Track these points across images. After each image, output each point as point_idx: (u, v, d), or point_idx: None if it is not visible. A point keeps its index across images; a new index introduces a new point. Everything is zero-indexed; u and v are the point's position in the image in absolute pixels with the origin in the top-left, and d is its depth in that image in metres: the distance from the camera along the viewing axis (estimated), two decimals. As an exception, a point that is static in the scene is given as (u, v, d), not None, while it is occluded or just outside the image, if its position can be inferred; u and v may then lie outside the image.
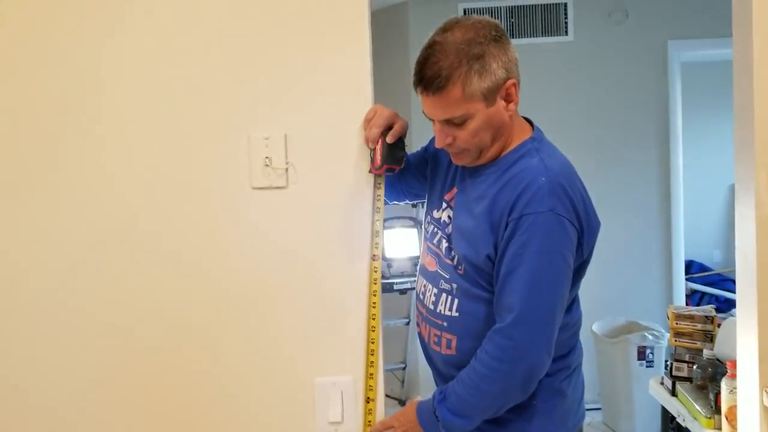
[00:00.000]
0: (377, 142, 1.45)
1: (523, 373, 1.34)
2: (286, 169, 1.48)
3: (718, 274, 5.27)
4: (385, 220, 3.58)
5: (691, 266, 5.22)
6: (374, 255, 1.49)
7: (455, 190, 1.49)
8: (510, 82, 1.35)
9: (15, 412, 1.52)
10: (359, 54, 1.48)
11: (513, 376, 1.34)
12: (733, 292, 4.92)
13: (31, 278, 1.50)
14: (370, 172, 1.48)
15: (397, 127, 1.47)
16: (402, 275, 3.57)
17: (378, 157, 1.45)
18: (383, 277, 3.48)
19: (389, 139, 1.45)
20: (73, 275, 1.50)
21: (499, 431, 1.43)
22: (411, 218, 3.67)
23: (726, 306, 4.75)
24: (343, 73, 1.48)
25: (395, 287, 3.52)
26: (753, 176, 1.59)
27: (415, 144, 1.71)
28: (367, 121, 1.47)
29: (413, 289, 3.50)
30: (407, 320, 3.91)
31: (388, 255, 3.59)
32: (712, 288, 5.06)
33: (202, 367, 1.51)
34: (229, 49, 1.48)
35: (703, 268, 5.34)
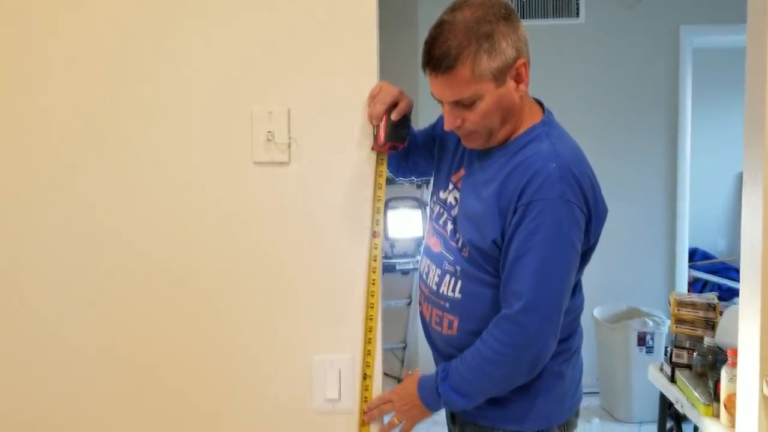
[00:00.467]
0: (381, 119, 1.43)
1: (530, 358, 1.34)
2: (289, 145, 1.46)
3: (722, 263, 5.25)
4: (389, 201, 3.60)
5: (695, 254, 5.20)
6: (375, 232, 1.47)
7: (462, 171, 1.48)
8: (520, 61, 1.33)
9: (17, 400, 1.53)
10: (366, 29, 1.45)
11: (519, 361, 1.34)
12: (737, 281, 4.92)
13: (31, 256, 1.50)
14: (372, 149, 1.47)
15: (402, 105, 1.44)
16: (405, 256, 3.57)
17: (381, 135, 1.44)
18: (386, 257, 3.52)
19: (394, 117, 1.43)
20: (74, 249, 1.49)
21: (497, 410, 1.44)
22: (415, 199, 3.66)
23: (728, 295, 4.74)
24: (349, 48, 1.46)
25: (397, 267, 3.52)
26: (762, 165, 1.57)
27: (421, 124, 1.69)
28: (372, 98, 1.45)
29: (416, 269, 3.50)
30: (409, 300, 3.92)
31: (391, 235, 3.58)
32: (715, 276, 5.05)
33: (199, 344, 1.50)
34: (234, 22, 1.46)
35: (706, 255, 5.33)
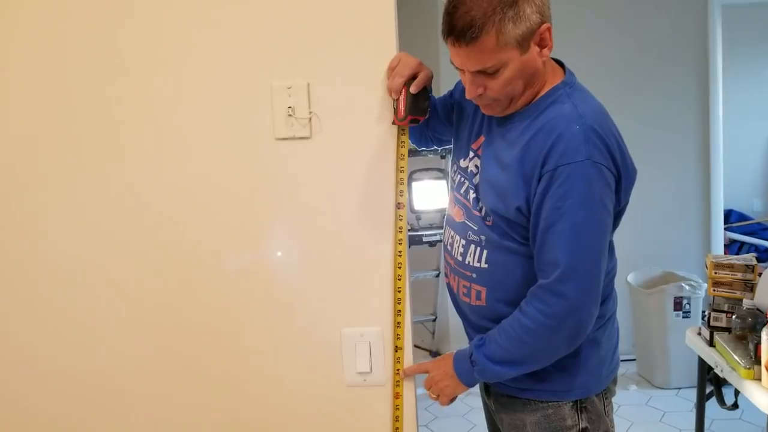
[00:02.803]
0: (401, 93, 1.40)
1: (571, 328, 1.32)
2: (310, 119, 1.44)
3: (758, 223, 5.14)
4: (413, 172, 3.57)
5: (730, 215, 5.09)
6: (399, 203, 1.45)
7: (483, 138, 1.45)
8: (544, 26, 1.28)
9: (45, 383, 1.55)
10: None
11: (560, 332, 1.32)
12: (774, 241, 4.80)
13: (59, 236, 1.51)
14: (393, 123, 1.44)
15: (421, 77, 1.41)
16: (431, 227, 3.54)
17: (401, 108, 1.41)
18: (412, 229, 3.50)
19: (413, 90, 1.40)
20: (97, 229, 1.50)
21: (532, 381, 1.42)
22: (439, 170, 3.62)
23: (766, 256, 4.64)
24: (367, 19, 1.42)
25: (424, 239, 3.50)
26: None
27: (443, 92, 1.65)
28: (391, 70, 1.42)
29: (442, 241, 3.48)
30: (437, 272, 3.90)
31: (416, 207, 3.55)
32: (752, 237, 4.94)
33: (230, 321, 1.51)
34: (249, -5, 1.43)
35: (742, 217, 5.21)
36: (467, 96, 1.36)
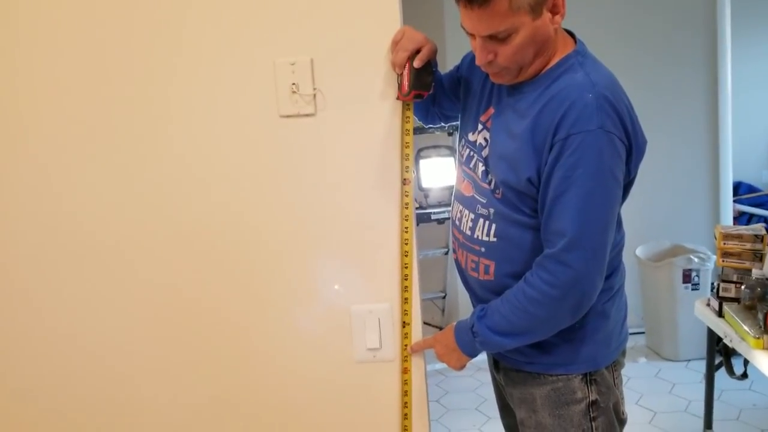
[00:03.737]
0: (404, 67, 1.39)
1: (575, 299, 1.31)
2: (314, 96, 1.43)
3: (767, 195, 5.10)
4: (420, 150, 3.55)
5: (739, 187, 5.05)
6: (405, 179, 1.45)
7: (492, 110, 1.43)
8: None
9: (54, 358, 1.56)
10: (386, -30, 1.40)
11: (564, 302, 1.31)
12: (785, 211, 4.75)
13: (67, 213, 1.51)
14: (397, 98, 1.43)
15: (425, 51, 1.39)
16: (439, 205, 3.53)
17: (405, 83, 1.39)
18: (420, 207, 3.49)
19: (416, 64, 1.38)
20: (106, 205, 1.51)
21: (541, 355, 1.42)
22: (447, 147, 3.61)
23: (775, 227, 4.61)
24: (369, -8, 1.41)
25: (432, 217, 3.49)
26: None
27: (449, 68, 1.64)
28: (395, 44, 1.41)
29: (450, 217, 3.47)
30: (446, 250, 3.90)
31: (424, 185, 3.55)
32: (761, 209, 4.91)
33: (239, 299, 1.51)
34: (249, -30, 1.42)
35: (752, 189, 5.17)
36: (477, 62, 1.34)
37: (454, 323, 1.45)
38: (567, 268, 1.28)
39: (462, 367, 1.46)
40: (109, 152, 1.48)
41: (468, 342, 1.40)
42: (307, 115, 1.44)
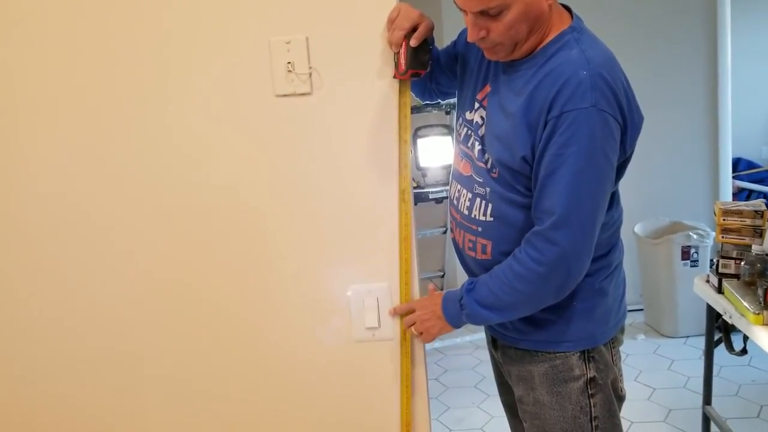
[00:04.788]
0: (401, 46, 1.37)
1: (561, 277, 1.31)
2: (310, 75, 1.42)
3: (767, 171, 5.09)
4: (418, 129, 3.53)
5: (738, 164, 5.03)
6: (403, 159, 1.44)
7: (488, 88, 1.42)
8: None
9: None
10: (381, -55, 1.38)
11: (550, 279, 1.31)
12: (784, 187, 4.74)
13: (64, 214, 1.51)
14: (394, 77, 1.41)
15: (421, 29, 1.38)
16: (437, 184, 3.52)
17: (402, 62, 1.38)
18: (418, 186, 3.48)
19: (413, 43, 1.37)
20: (100, 186, 1.50)
21: (540, 332, 1.42)
22: (444, 126, 3.59)
23: (775, 203, 4.60)
24: (364, -32, 1.39)
25: (430, 196, 3.48)
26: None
27: (446, 44, 1.62)
28: (391, 22, 1.39)
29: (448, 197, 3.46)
30: (444, 229, 3.90)
31: (422, 164, 3.53)
32: (761, 185, 4.89)
33: (238, 280, 1.51)
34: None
35: (751, 165, 5.15)
36: (468, 39, 1.33)
37: (443, 292, 1.45)
38: (554, 245, 1.28)
39: (433, 339, 1.46)
40: (104, 135, 1.47)
41: (455, 313, 1.41)
42: (303, 95, 1.43)
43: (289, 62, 1.41)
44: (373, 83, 1.43)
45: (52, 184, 1.50)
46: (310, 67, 1.42)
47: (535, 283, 1.32)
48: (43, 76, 1.46)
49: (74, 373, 1.58)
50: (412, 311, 1.46)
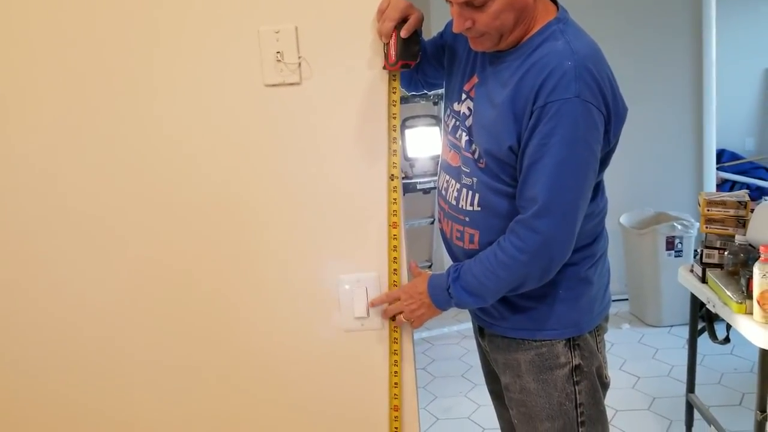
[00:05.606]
0: (391, 37, 1.38)
1: (543, 265, 1.33)
2: (299, 64, 1.42)
3: (750, 162, 5.14)
4: (406, 120, 3.53)
5: (722, 155, 5.08)
6: (392, 149, 1.45)
7: (475, 79, 1.43)
8: None
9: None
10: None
11: (532, 267, 1.33)
12: (765, 179, 4.80)
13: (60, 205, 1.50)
14: (384, 68, 1.42)
15: (412, 20, 1.38)
16: (425, 175, 3.52)
17: (392, 53, 1.39)
18: (406, 177, 3.49)
19: (403, 34, 1.37)
20: (89, 178, 1.49)
21: (526, 320, 1.44)
22: (433, 116, 3.59)
23: (757, 195, 4.65)
24: (354, -42, 1.39)
25: (418, 187, 3.49)
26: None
27: (434, 34, 1.62)
28: (380, 13, 1.39)
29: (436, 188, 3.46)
30: (432, 219, 3.91)
31: (410, 155, 3.53)
32: (744, 177, 4.95)
33: (227, 270, 1.51)
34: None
35: (734, 156, 5.20)
36: (454, 29, 1.33)
37: (426, 277, 1.46)
38: (536, 234, 1.30)
39: (422, 324, 1.48)
40: (90, 126, 1.46)
41: (443, 300, 1.43)
42: (292, 84, 1.43)
43: (278, 52, 1.41)
44: (363, 73, 1.43)
45: (32, 174, 1.49)
46: (300, 57, 1.42)
47: (518, 271, 1.34)
48: (26, 67, 1.45)
49: (56, 357, 1.58)
50: (397, 299, 1.47)
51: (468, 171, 1.42)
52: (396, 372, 1.50)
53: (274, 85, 1.43)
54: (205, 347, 1.55)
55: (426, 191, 3.53)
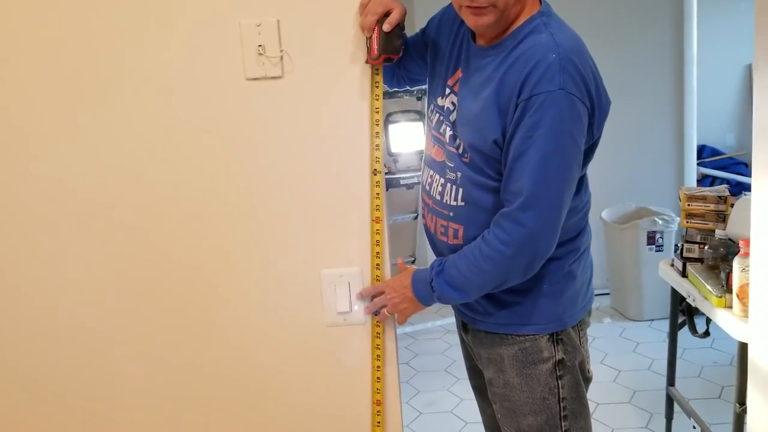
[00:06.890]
0: (373, 31, 1.37)
1: (528, 258, 1.33)
2: (281, 58, 1.41)
3: (730, 158, 5.19)
4: (389, 115, 3.53)
5: (702, 151, 5.13)
6: (375, 144, 1.44)
7: (459, 73, 1.43)
8: None
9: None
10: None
11: (517, 260, 1.33)
12: (746, 175, 4.84)
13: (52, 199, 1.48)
14: (366, 62, 1.41)
15: (394, 14, 1.37)
16: (408, 170, 3.53)
17: (375, 47, 1.38)
18: (389, 172, 3.48)
19: (386, 28, 1.36)
20: (83, 177, 1.47)
21: (509, 315, 1.44)
22: (416, 111, 3.59)
23: (737, 190, 4.69)
24: (336, -50, 1.38)
25: (402, 182, 3.49)
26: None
27: (417, 29, 1.62)
28: (363, 7, 1.38)
29: (420, 183, 3.46)
30: (415, 215, 3.91)
31: (393, 150, 3.53)
32: (724, 172, 4.99)
33: (209, 263, 1.50)
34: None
35: (715, 152, 5.24)
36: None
37: (411, 271, 1.46)
38: (521, 227, 1.30)
39: (407, 319, 1.48)
40: (69, 120, 1.44)
41: (426, 294, 1.42)
42: (274, 78, 1.42)
43: (260, 45, 1.40)
44: (345, 67, 1.42)
45: (9, 169, 1.47)
46: (282, 51, 1.41)
47: (502, 264, 1.34)
48: (13, 58, 1.42)
49: (46, 354, 1.56)
50: (381, 293, 1.46)
51: (452, 166, 1.42)
52: (378, 366, 1.50)
53: (255, 79, 1.42)
54: (186, 341, 1.54)
55: (409, 186, 3.54)
